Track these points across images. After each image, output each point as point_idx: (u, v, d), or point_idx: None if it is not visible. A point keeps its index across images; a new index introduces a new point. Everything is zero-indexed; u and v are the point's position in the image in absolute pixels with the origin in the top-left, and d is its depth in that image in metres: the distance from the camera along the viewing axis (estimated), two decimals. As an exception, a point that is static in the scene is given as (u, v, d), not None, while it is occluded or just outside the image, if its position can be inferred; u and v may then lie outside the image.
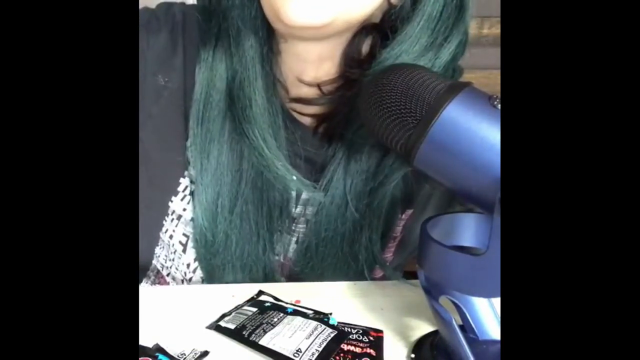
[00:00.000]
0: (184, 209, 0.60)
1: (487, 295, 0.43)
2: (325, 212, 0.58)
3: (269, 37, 0.56)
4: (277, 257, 0.61)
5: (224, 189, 0.57)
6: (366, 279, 0.59)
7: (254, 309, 0.51)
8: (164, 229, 0.61)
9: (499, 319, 0.45)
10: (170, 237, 0.61)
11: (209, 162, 0.57)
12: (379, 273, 0.63)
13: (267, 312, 0.51)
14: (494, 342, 0.45)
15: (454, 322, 0.41)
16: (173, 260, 0.62)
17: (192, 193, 0.59)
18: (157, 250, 0.62)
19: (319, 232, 0.58)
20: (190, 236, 0.60)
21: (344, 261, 0.59)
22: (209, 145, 0.56)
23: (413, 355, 0.46)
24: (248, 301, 0.54)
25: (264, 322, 0.49)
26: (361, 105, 0.43)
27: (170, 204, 0.60)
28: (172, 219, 0.61)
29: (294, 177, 0.55)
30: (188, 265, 0.61)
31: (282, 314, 0.50)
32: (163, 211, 0.61)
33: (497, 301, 0.46)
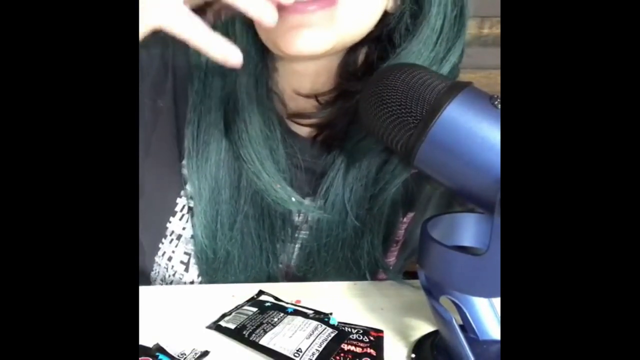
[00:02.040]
0: (184, 228, 0.60)
1: (487, 295, 0.43)
2: (326, 219, 0.58)
3: (264, 55, 0.55)
4: (280, 266, 0.61)
5: (223, 207, 0.57)
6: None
7: (254, 309, 0.51)
8: (160, 252, 0.61)
9: (499, 319, 0.45)
10: (169, 258, 0.61)
11: (207, 181, 0.56)
12: (382, 277, 0.63)
13: (268, 312, 0.50)
14: (494, 342, 0.45)
15: (454, 322, 0.41)
16: (172, 283, 0.62)
17: (190, 210, 0.59)
18: (152, 274, 0.62)
19: (321, 237, 0.58)
20: (192, 253, 0.60)
21: (346, 266, 0.59)
22: (205, 164, 0.56)
23: (413, 355, 0.46)
24: (248, 301, 0.54)
25: (264, 322, 0.49)
26: (362, 105, 0.43)
27: (168, 224, 0.60)
28: (172, 240, 0.60)
29: (293, 199, 0.55)
30: (192, 282, 0.61)
31: (282, 314, 0.50)
32: (160, 234, 0.61)
33: (497, 301, 0.46)
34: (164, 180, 0.59)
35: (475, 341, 0.45)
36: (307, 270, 0.60)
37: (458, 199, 0.60)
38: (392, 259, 0.65)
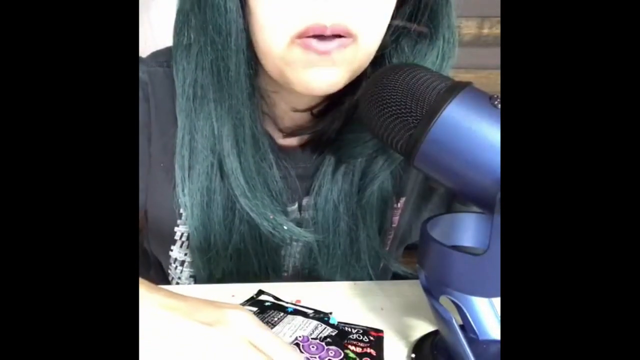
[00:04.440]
0: (185, 254, 0.61)
1: (487, 295, 0.43)
2: (322, 215, 0.58)
3: (255, 83, 0.53)
4: (284, 274, 0.62)
5: (216, 227, 0.57)
6: (372, 279, 0.60)
7: (254, 309, 0.51)
8: (169, 278, 0.64)
9: (499, 319, 0.45)
10: (177, 284, 0.64)
11: (198, 202, 0.56)
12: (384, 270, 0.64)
13: (268, 311, 0.51)
14: (494, 342, 0.45)
15: (454, 322, 0.41)
16: None
17: (188, 237, 0.60)
18: None
19: (319, 234, 0.59)
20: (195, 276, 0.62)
21: (347, 262, 0.60)
22: (196, 189, 0.56)
23: (413, 355, 0.46)
24: (248, 301, 0.54)
25: (264, 321, 0.49)
26: (362, 105, 0.43)
27: (170, 253, 0.62)
28: (176, 267, 0.62)
29: (285, 227, 0.56)
30: None
31: (282, 314, 0.50)
32: (165, 263, 0.63)
33: (497, 301, 0.46)
34: (162, 210, 0.60)
35: (475, 341, 0.45)
36: (311, 269, 0.61)
37: (458, 198, 0.61)
38: (389, 248, 0.66)
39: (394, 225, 0.63)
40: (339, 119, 0.55)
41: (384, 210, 0.60)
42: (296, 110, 0.56)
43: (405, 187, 0.62)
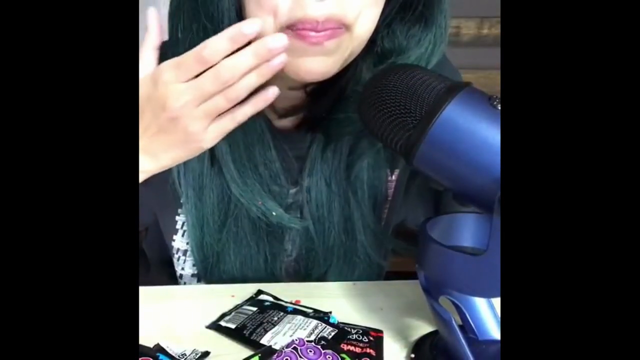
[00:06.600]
0: (187, 243, 0.61)
1: (487, 295, 0.43)
2: (315, 193, 0.59)
3: None
4: (287, 258, 0.62)
5: (208, 210, 0.57)
6: (371, 260, 0.60)
7: (254, 309, 0.51)
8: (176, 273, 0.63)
9: (499, 319, 0.45)
10: (180, 276, 0.63)
11: (190, 185, 0.56)
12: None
13: (267, 311, 0.51)
14: (494, 342, 0.45)
15: (453, 322, 0.41)
16: None
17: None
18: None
19: (314, 214, 0.59)
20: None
21: (343, 242, 0.60)
22: (190, 176, 0.56)
23: (413, 355, 0.46)
24: (247, 301, 0.54)
25: (264, 321, 0.49)
26: (361, 105, 0.43)
27: (173, 243, 0.62)
28: (179, 257, 0.62)
29: (274, 213, 0.56)
30: None
31: (282, 313, 0.50)
32: (169, 253, 0.63)
33: (497, 301, 0.46)
34: (163, 200, 0.60)
35: (474, 341, 0.45)
36: (309, 250, 0.61)
37: (458, 199, 0.61)
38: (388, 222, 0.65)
39: (389, 199, 0.63)
40: (330, 98, 0.55)
41: (376, 185, 0.60)
42: (291, 89, 0.56)
43: (399, 159, 0.62)
